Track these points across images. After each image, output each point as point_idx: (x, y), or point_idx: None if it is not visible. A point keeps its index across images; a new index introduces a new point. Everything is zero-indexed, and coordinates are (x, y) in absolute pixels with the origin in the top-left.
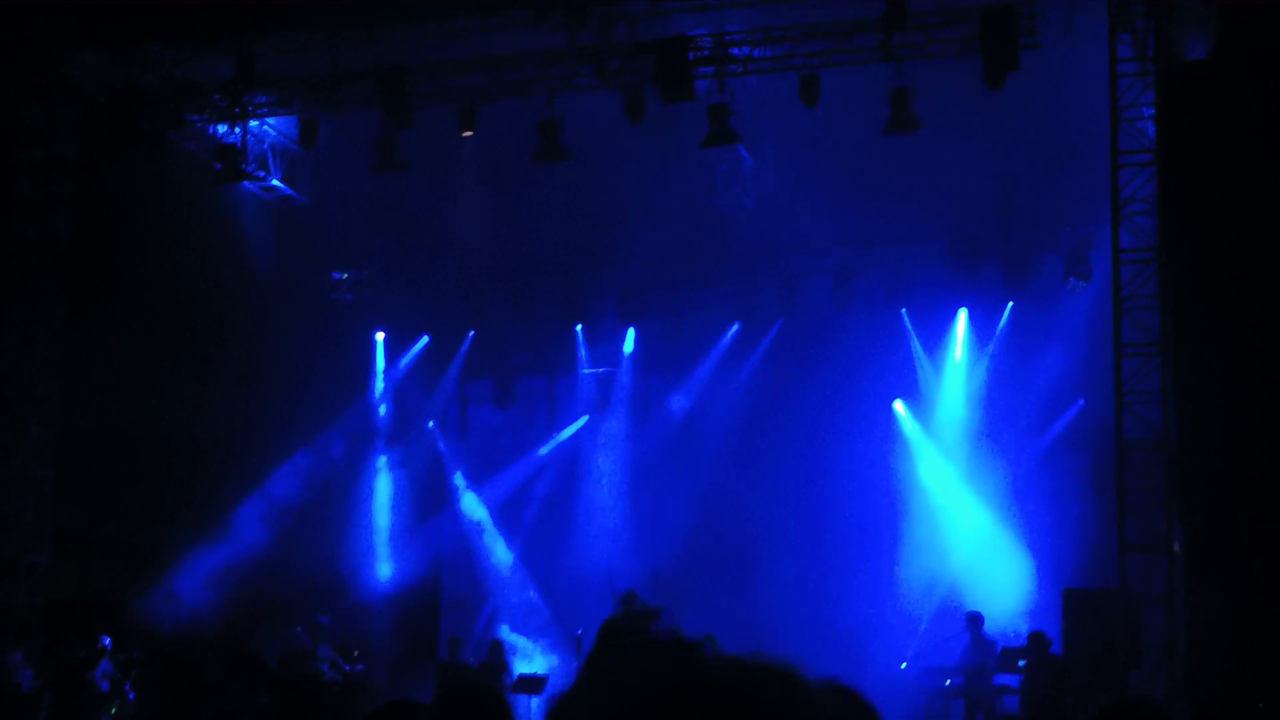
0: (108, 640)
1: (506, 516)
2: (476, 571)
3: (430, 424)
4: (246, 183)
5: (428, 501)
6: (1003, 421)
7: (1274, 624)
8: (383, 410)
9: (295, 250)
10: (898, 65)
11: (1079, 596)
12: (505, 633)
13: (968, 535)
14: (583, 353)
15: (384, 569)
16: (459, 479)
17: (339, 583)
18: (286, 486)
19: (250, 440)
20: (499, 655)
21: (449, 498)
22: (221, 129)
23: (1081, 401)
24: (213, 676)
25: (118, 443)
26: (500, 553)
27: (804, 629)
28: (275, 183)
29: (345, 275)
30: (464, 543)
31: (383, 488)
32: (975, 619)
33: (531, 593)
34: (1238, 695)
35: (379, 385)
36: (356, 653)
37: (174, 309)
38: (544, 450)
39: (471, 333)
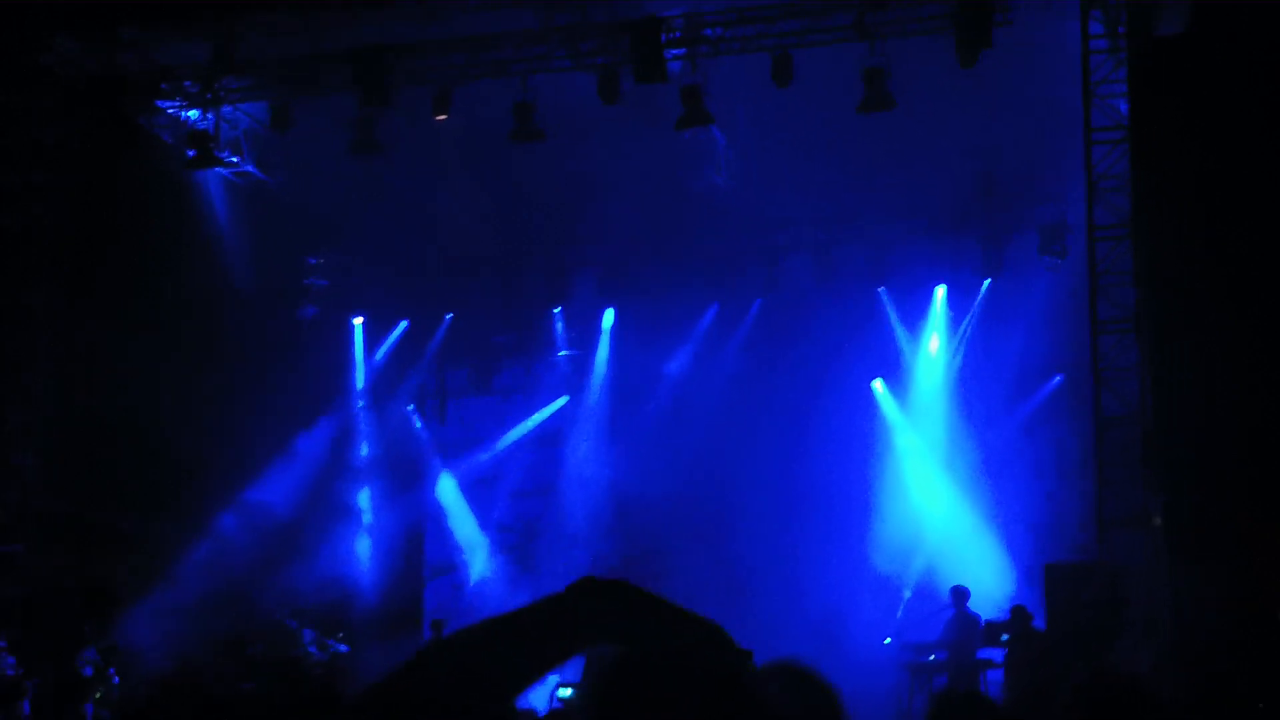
0: (89, 628)
1: (485, 496)
2: (454, 551)
3: (410, 407)
4: (220, 169)
5: (407, 483)
6: (981, 398)
7: (1257, 596)
8: (361, 395)
9: (270, 236)
10: (871, 44)
11: (1060, 570)
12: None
13: (948, 511)
14: (561, 334)
15: (362, 547)
16: (438, 461)
17: (322, 566)
18: (270, 475)
19: (231, 428)
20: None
21: (427, 479)
22: (194, 114)
23: (1060, 377)
24: (196, 663)
25: (98, 431)
26: (473, 532)
27: (784, 604)
28: (249, 169)
29: (321, 260)
30: (441, 523)
31: (364, 472)
32: (960, 593)
33: (507, 569)
34: (1223, 668)
35: (359, 370)
36: (341, 634)
37: (152, 296)
38: (523, 430)
39: (449, 315)
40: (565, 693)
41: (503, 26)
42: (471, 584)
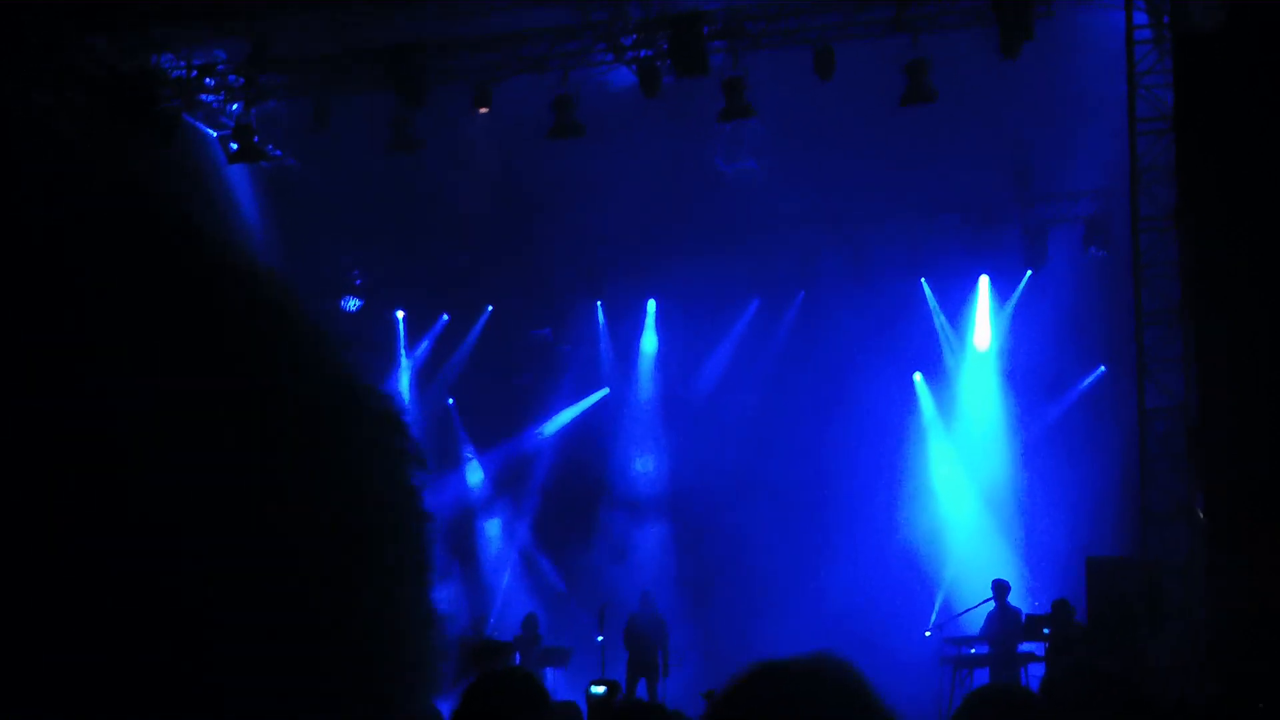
0: None
1: (520, 488)
2: (487, 544)
3: (450, 401)
4: (262, 163)
5: (443, 474)
6: (1023, 390)
7: None
8: (406, 389)
9: (311, 230)
10: (913, 36)
11: (1101, 564)
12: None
13: (988, 503)
14: (602, 326)
15: None
16: (473, 451)
17: None
18: None
19: None
20: (533, 629)
21: (461, 470)
22: (234, 109)
23: (1103, 368)
24: None
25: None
26: (513, 527)
27: (820, 598)
28: (290, 163)
29: (361, 254)
30: (475, 516)
31: None
32: (1001, 587)
33: (543, 563)
34: (1261, 666)
35: (404, 364)
36: None
37: None
38: (562, 422)
39: (490, 308)
40: (598, 690)
41: (538, 22)
42: (503, 579)
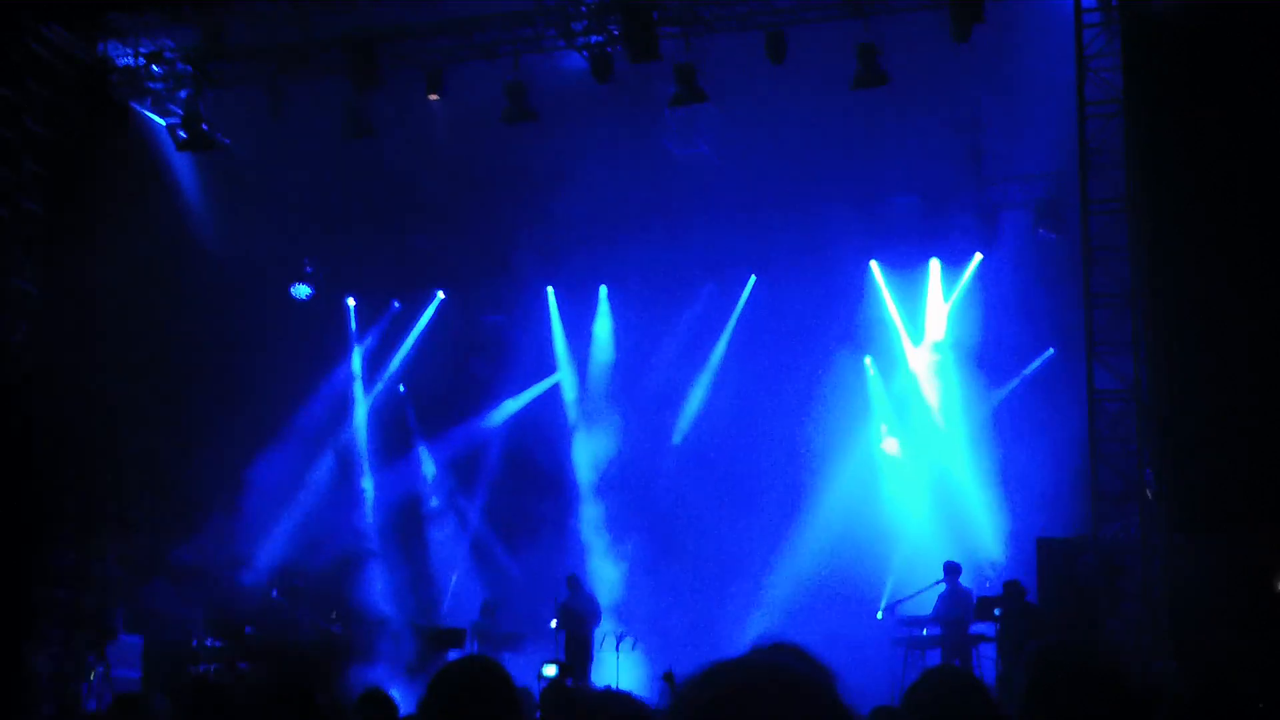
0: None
1: (473, 475)
2: (439, 531)
3: (401, 388)
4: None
5: (395, 462)
6: (973, 372)
7: (1254, 571)
8: (358, 375)
9: (262, 217)
10: (865, 21)
11: (1053, 545)
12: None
13: (938, 486)
14: (554, 311)
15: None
16: (424, 440)
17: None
18: (266, 454)
19: (227, 415)
20: (490, 614)
21: (416, 457)
22: (183, 96)
23: (1052, 350)
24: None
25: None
26: (466, 513)
27: (774, 578)
28: (237, 151)
29: (313, 241)
30: (427, 503)
31: (357, 452)
32: (953, 568)
33: (496, 549)
34: (1220, 644)
35: (355, 351)
36: (334, 614)
37: (144, 283)
38: (514, 407)
39: (441, 294)
40: (550, 670)
41: (491, 9)
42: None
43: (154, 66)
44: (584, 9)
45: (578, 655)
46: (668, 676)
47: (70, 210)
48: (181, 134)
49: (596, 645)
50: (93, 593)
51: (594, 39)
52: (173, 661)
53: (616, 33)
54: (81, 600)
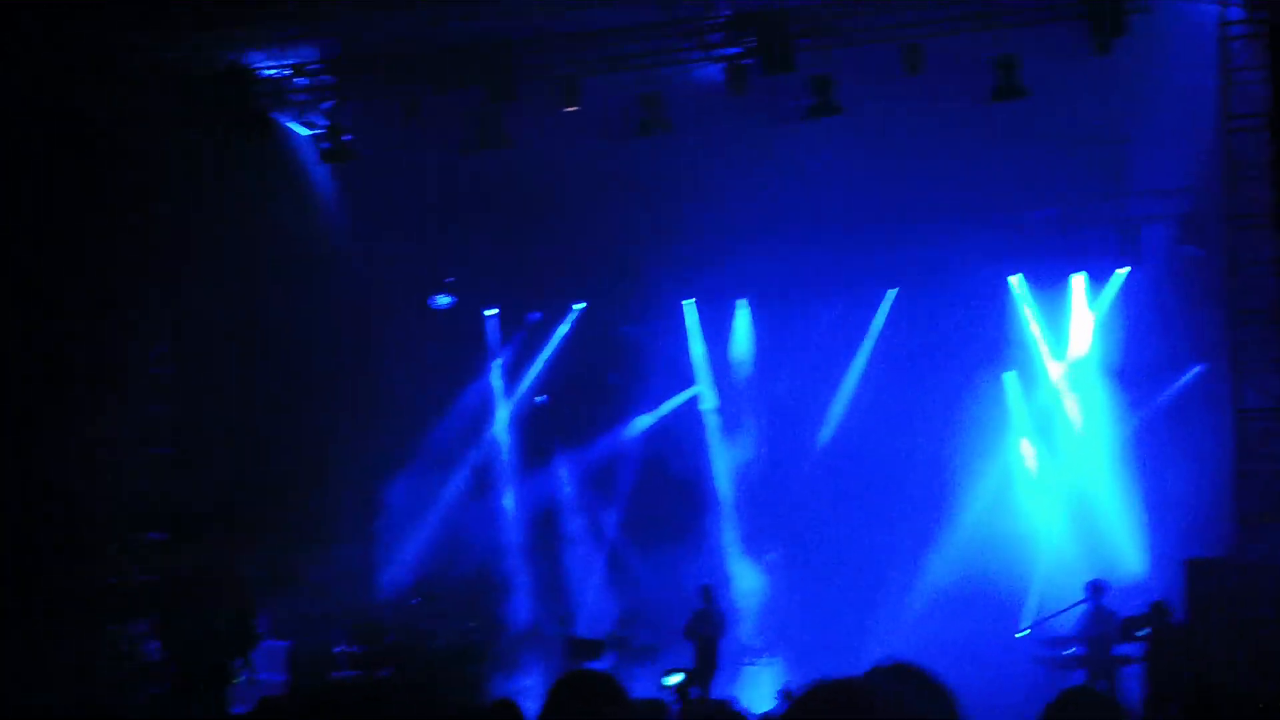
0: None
1: (610, 486)
2: (576, 541)
3: (542, 399)
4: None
5: (534, 473)
6: (1119, 389)
7: None
8: (497, 387)
9: (401, 228)
10: (1001, 33)
11: (1201, 566)
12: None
13: (1079, 503)
14: (693, 323)
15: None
16: (563, 449)
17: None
18: (409, 471)
19: (366, 425)
20: (628, 626)
21: (554, 466)
22: (325, 106)
23: (1201, 367)
24: (335, 649)
25: (230, 426)
26: (602, 524)
27: (912, 595)
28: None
29: (453, 251)
30: (564, 514)
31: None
32: (1098, 587)
33: (632, 560)
34: None
35: (495, 362)
36: (474, 623)
37: (286, 293)
38: (651, 420)
39: (580, 306)
40: (672, 680)
41: (625, 20)
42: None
43: (297, 78)
44: (720, 20)
45: (703, 665)
46: (788, 694)
47: (203, 222)
48: (324, 144)
49: (725, 656)
50: (238, 599)
51: (730, 50)
52: (315, 667)
53: (752, 44)
54: (224, 603)
